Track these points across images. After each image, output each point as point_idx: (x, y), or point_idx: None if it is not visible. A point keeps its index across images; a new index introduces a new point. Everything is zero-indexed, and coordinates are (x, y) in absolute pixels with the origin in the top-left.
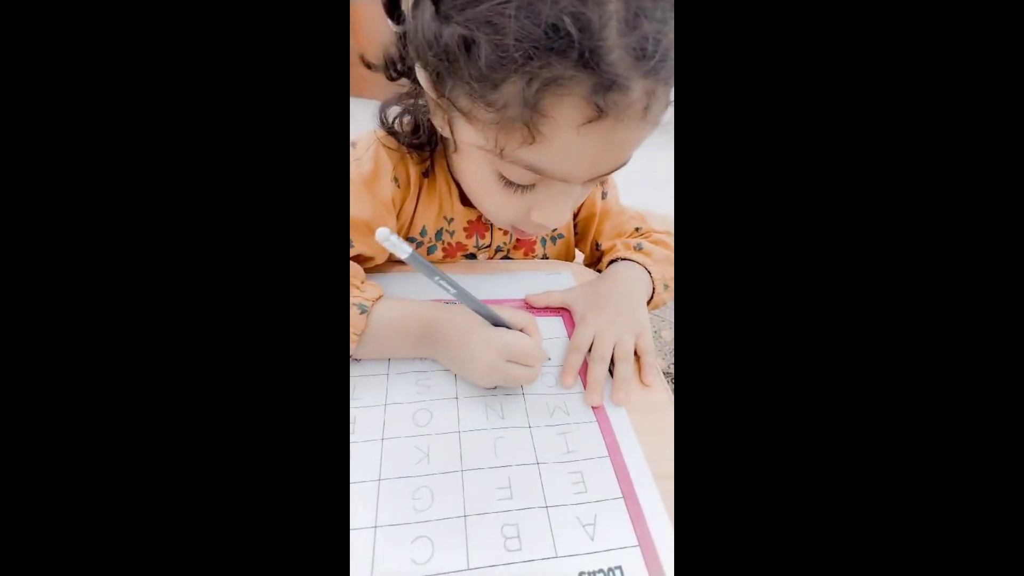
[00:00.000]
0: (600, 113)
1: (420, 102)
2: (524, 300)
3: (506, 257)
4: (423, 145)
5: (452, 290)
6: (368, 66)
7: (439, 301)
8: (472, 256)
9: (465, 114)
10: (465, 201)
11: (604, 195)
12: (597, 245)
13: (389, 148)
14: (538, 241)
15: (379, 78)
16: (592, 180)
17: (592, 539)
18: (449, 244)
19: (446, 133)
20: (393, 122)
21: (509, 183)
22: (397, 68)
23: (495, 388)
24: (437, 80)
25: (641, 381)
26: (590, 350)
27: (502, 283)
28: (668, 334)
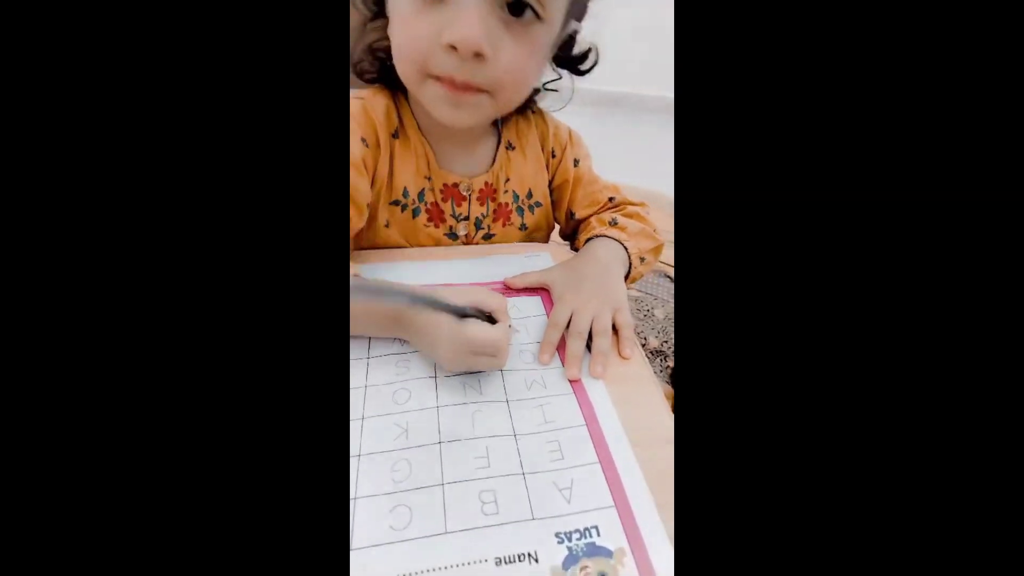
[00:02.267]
0: None
1: (375, 33)
2: (503, 283)
3: (487, 235)
4: (386, 78)
5: (407, 302)
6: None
7: (425, 285)
8: (453, 236)
9: None
10: (440, 161)
11: (576, 163)
12: (571, 214)
13: (355, 115)
14: (515, 211)
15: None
16: (492, 5)
17: (568, 502)
18: (430, 206)
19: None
20: (362, 60)
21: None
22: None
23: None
24: None
25: (620, 354)
26: (568, 327)
27: (482, 266)
28: (660, 312)
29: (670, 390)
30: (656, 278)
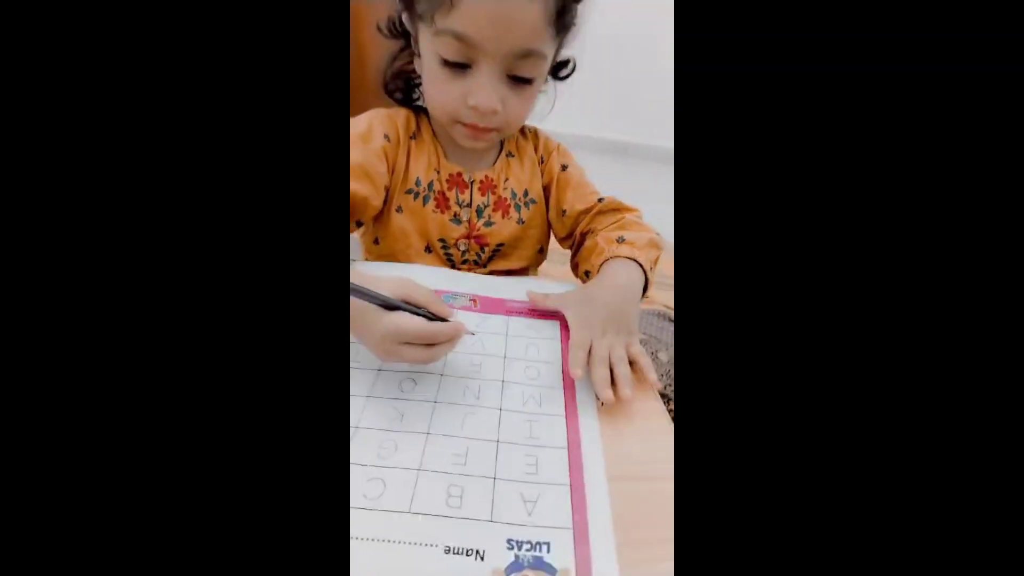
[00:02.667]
0: None
1: (403, 54)
2: (528, 298)
3: (488, 223)
4: (409, 99)
5: (355, 292)
6: (381, 31)
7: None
8: (457, 221)
9: (420, 17)
10: (449, 156)
11: (565, 167)
12: (564, 211)
13: (379, 116)
14: (513, 206)
15: (365, 101)
16: (508, 69)
17: (529, 515)
18: (438, 194)
19: (419, 67)
20: (390, 82)
21: (447, 64)
22: (395, 27)
23: (479, 371)
24: (405, 2)
25: (648, 381)
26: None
27: (505, 286)
28: (664, 355)
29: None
30: (660, 321)
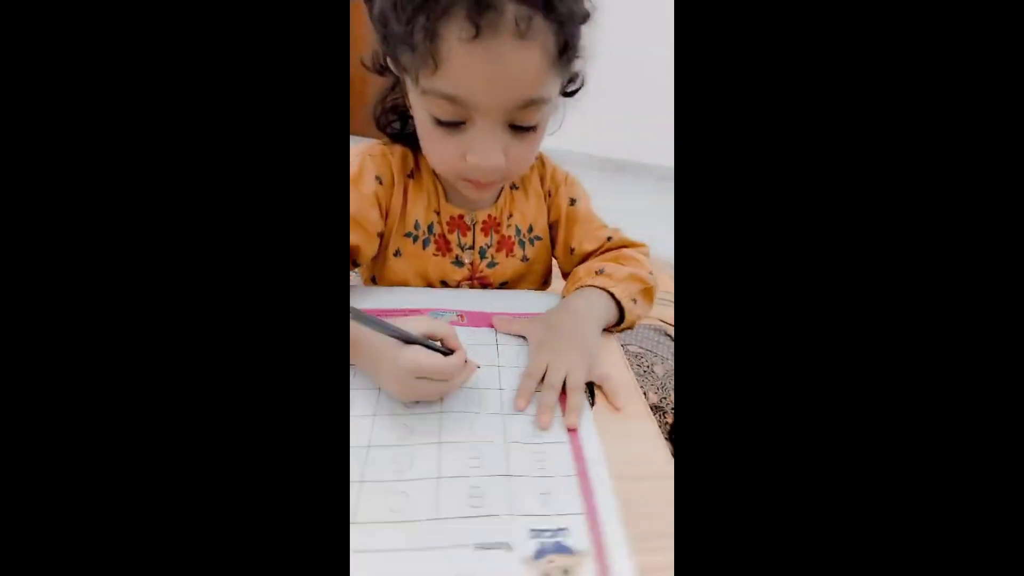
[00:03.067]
0: (478, 29)
1: (394, 92)
2: (489, 316)
3: (491, 264)
4: (405, 139)
5: (362, 323)
6: (365, 66)
7: (406, 312)
8: (459, 263)
9: (404, 69)
10: (449, 198)
11: (573, 202)
12: (572, 250)
13: (372, 155)
14: (517, 243)
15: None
16: (509, 119)
17: (544, 505)
18: (438, 236)
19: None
20: (382, 117)
21: (440, 123)
22: (380, 63)
23: (477, 381)
24: (386, 44)
25: (613, 406)
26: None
27: (489, 299)
28: (660, 368)
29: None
30: (657, 335)
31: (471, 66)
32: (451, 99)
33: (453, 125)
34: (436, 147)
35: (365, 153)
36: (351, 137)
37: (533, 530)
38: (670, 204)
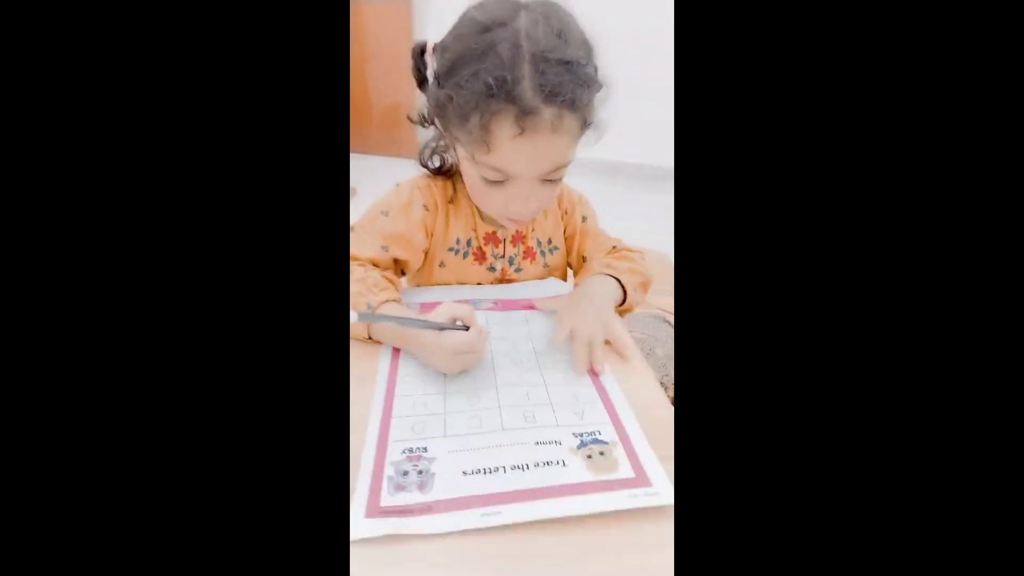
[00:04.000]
0: (523, 130)
1: (441, 143)
2: (534, 302)
3: (518, 269)
4: (445, 173)
5: (400, 323)
6: (411, 120)
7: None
8: (492, 269)
9: (456, 139)
10: (484, 218)
11: (584, 219)
12: (584, 258)
13: (420, 187)
14: (539, 252)
15: (393, 140)
16: (542, 179)
17: (581, 419)
18: (475, 249)
19: (454, 157)
20: (427, 160)
21: (488, 181)
22: (426, 120)
23: (518, 349)
24: (441, 120)
25: (622, 356)
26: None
27: (514, 290)
28: (661, 350)
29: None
30: (656, 322)
31: (516, 152)
32: (498, 170)
33: (498, 183)
34: (483, 197)
35: (414, 186)
36: (366, 156)
37: (575, 433)
38: (667, 203)
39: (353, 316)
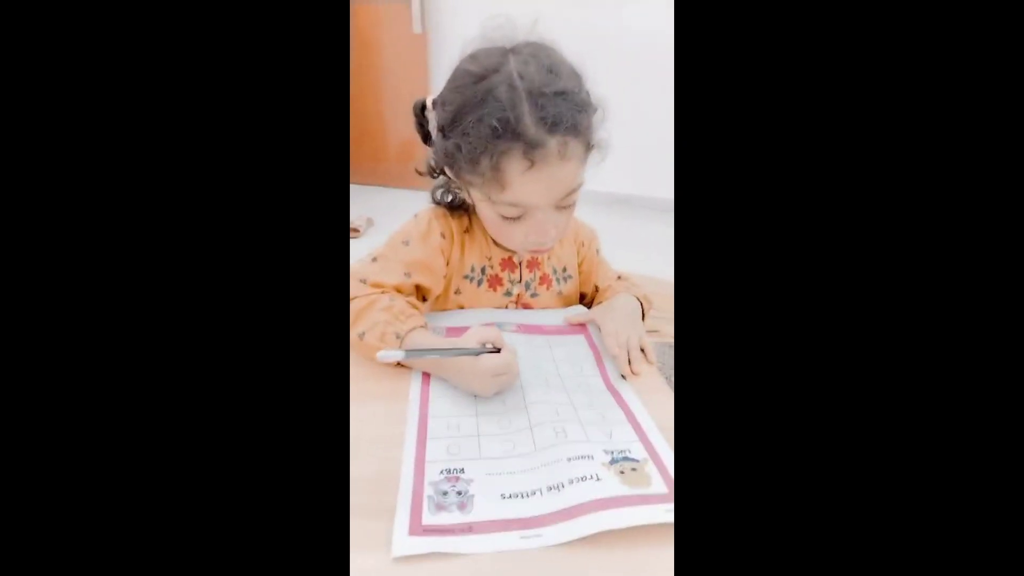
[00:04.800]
0: (533, 163)
1: (453, 185)
2: (566, 320)
3: (534, 294)
4: (459, 208)
5: (438, 355)
6: (419, 173)
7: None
8: (508, 293)
9: (470, 184)
10: (499, 245)
11: (597, 251)
12: (596, 287)
13: (437, 217)
14: (554, 280)
15: (410, 173)
16: (557, 206)
17: (610, 438)
18: (491, 275)
19: (466, 196)
20: (440, 198)
21: (506, 218)
22: (435, 171)
23: (542, 373)
24: (452, 169)
25: (648, 361)
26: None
27: (537, 316)
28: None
29: None
30: (670, 351)
31: (529, 185)
32: (516, 205)
33: (516, 218)
34: (503, 233)
35: (431, 216)
36: (384, 188)
37: (605, 450)
38: (668, 233)
39: (397, 355)
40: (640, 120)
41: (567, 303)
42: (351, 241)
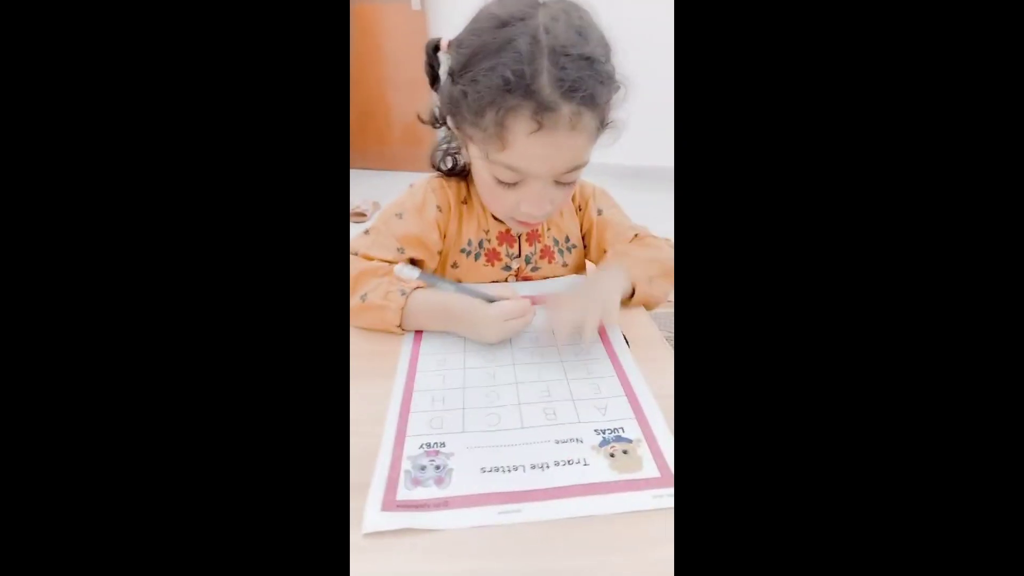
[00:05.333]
0: (540, 126)
1: (452, 144)
2: (532, 299)
3: (535, 268)
4: (458, 173)
5: (457, 289)
6: (422, 120)
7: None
8: (508, 268)
9: (469, 137)
10: (496, 218)
11: (600, 212)
12: (605, 252)
13: (433, 189)
14: (557, 251)
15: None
16: (557, 179)
17: (603, 414)
18: (488, 250)
19: (466, 157)
20: (439, 162)
21: (500, 182)
22: (437, 120)
23: (539, 341)
24: (454, 118)
25: (614, 352)
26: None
27: (528, 287)
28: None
29: None
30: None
31: (532, 149)
32: (513, 169)
33: (511, 184)
34: (494, 198)
35: (427, 187)
36: (388, 172)
37: (596, 430)
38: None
39: (413, 272)
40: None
41: (576, 273)
42: (357, 225)
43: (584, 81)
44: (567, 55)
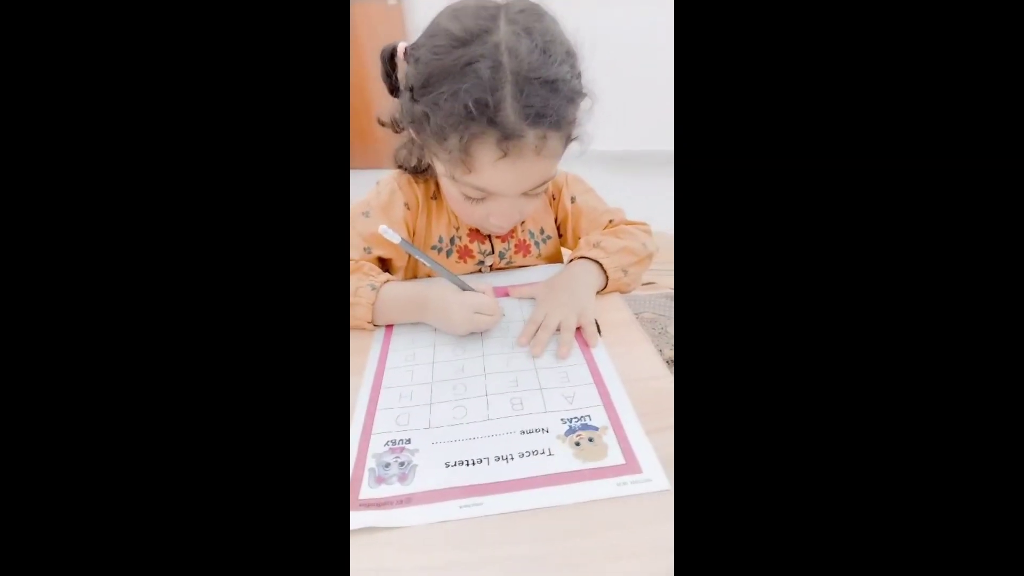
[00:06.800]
0: (505, 153)
1: (417, 145)
2: (506, 289)
3: (509, 263)
4: (423, 171)
5: (433, 266)
6: (382, 123)
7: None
8: (481, 263)
9: (434, 155)
10: None
11: (573, 199)
12: (579, 239)
13: (401, 186)
14: (532, 244)
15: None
16: (526, 192)
17: (570, 403)
18: (460, 247)
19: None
20: (404, 160)
21: (468, 197)
22: (398, 125)
23: (508, 333)
24: (418, 135)
25: (586, 342)
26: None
27: (502, 276)
28: (672, 328)
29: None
30: (667, 301)
31: (498, 175)
32: (480, 189)
33: (479, 199)
34: (463, 210)
35: (394, 184)
36: (371, 171)
37: (563, 419)
38: (669, 186)
39: (395, 237)
40: (639, 72)
41: (552, 263)
42: None
43: (550, 106)
44: (531, 81)
